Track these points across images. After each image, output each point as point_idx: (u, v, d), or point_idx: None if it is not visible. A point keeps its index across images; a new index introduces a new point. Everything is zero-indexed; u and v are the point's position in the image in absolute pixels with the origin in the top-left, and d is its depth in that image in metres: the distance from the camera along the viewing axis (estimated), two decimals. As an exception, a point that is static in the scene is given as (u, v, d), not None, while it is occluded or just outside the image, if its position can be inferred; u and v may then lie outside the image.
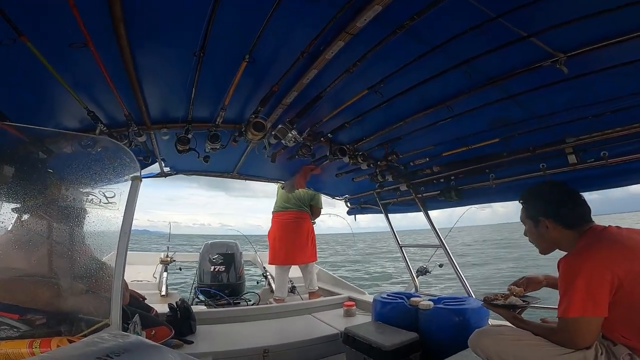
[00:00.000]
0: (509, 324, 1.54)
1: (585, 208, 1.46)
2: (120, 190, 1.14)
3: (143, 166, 2.54)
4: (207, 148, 2.16)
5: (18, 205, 1.18)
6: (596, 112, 1.71)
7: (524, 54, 1.45)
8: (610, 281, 1.19)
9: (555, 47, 1.37)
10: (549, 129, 1.90)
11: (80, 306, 1.13)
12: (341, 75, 1.61)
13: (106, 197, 1.14)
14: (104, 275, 1.11)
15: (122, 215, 1.05)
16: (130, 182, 1.10)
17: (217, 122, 2.03)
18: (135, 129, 1.93)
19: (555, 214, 1.45)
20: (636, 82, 1.50)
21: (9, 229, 1.16)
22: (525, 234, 1.60)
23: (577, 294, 1.23)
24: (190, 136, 2.07)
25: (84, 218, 1.18)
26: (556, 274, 1.47)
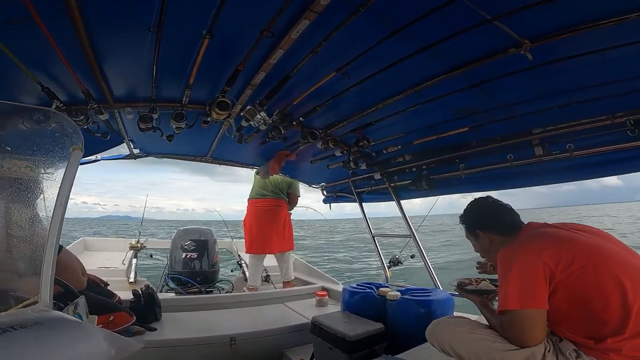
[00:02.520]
0: (467, 315, 1.59)
1: (511, 214, 1.55)
2: (61, 161, 1.08)
3: (105, 145, 2.46)
4: (172, 127, 2.10)
5: None
6: (562, 102, 1.72)
7: (490, 40, 1.44)
8: (542, 271, 1.21)
9: (521, 34, 1.36)
10: (515, 119, 1.91)
11: (14, 285, 1.07)
12: (307, 55, 1.57)
13: (45, 170, 1.09)
14: (39, 254, 1.05)
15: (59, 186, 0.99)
16: (71, 152, 1.05)
17: (183, 102, 1.96)
18: (95, 106, 1.85)
19: (486, 224, 1.57)
20: (601, 72, 1.50)
21: None
22: (475, 250, 1.67)
23: (512, 284, 1.25)
24: (156, 115, 2.00)
25: (21, 194, 1.12)
26: None
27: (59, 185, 1.03)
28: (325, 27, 1.41)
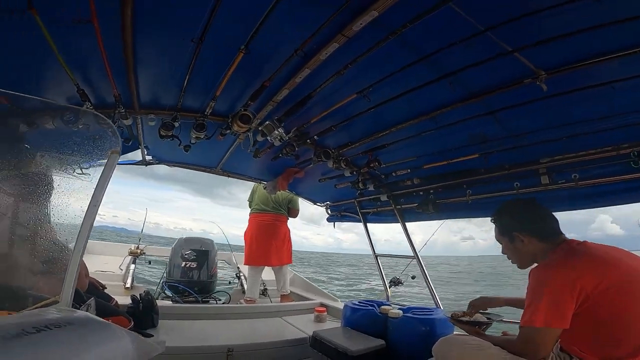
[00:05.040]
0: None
1: (555, 221, 1.52)
2: (98, 164, 1.10)
3: (123, 149, 2.50)
4: (191, 137, 2.14)
5: None
6: (570, 133, 1.78)
7: (507, 70, 1.50)
8: (578, 293, 1.21)
9: (538, 65, 1.42)
10: (524, 149, 1.97)
11: (32, 283, 1.08)
12: (332, 76, 1.65)
13: (82, 171, 1.11)
14: (63, 254, 1.06)
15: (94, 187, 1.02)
16: (109, 155, 1.08)
17: (206, 113, 2.02)
18: (122, 111, 1.90)
19: (529, 227, 1.50)
20: (609, 104, 1.56)
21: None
22: (503, 252, 1.62)
23: (543, 304, 1.25)
24: (177, 124, 2.05)
25: (53, 194, 1.13)
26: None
27: (94, 187, 1.06)
28: (353, 50, 1.48)
